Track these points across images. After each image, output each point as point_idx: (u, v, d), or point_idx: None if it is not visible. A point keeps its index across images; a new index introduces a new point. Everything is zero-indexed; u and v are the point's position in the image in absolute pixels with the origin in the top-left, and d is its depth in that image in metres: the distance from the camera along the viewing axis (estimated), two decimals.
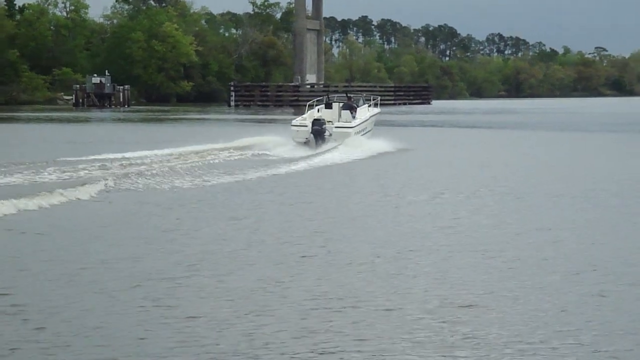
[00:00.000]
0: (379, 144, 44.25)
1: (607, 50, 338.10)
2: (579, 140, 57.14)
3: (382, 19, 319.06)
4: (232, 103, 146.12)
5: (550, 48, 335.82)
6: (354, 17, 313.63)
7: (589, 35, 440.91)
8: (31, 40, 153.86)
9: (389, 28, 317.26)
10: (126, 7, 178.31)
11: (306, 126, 44.05)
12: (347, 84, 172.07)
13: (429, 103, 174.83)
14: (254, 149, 42.04)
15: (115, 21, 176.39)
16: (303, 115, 46.66)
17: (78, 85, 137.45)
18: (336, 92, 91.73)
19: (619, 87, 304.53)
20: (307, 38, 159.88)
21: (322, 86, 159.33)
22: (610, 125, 76.77)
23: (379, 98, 56.47)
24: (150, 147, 40.97)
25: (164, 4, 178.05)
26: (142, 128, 74.51)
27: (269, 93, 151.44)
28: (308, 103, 49.28)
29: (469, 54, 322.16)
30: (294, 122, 45.86)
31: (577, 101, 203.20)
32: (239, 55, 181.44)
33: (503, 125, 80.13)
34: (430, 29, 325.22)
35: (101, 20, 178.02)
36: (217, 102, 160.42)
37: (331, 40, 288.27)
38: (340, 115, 46.50)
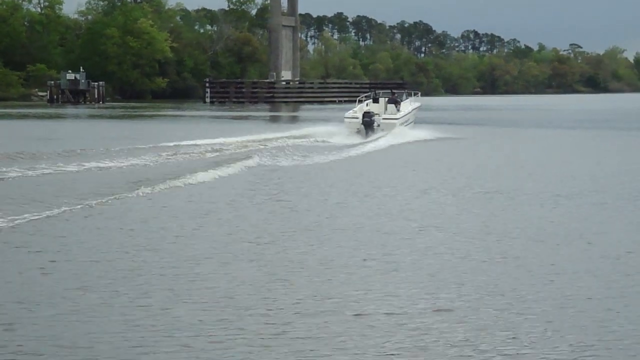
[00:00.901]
0: (420, 134, 50.87)
1: (581, 47, 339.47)
2: (556, 137, 57.20)
3: (358, 16, 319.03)
4: (208, 99, 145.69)
5: (525, 45, 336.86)
6: (329, 14, 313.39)
7: (563, 32, 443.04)
8: (5, 37, 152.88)
9: (364, 25, 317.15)
10: (101, 3, 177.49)
11: (358, 118, 50.85)
12: (322, 81, 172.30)
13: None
14: (316, 136, 48.42)
15: (89, 17, 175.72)
16: (354, 109, 53.33)
17: (52, 82, 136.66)
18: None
19: (594, 84, 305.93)
20: (282, 34, 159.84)
21: (297, 83, 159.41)
22: (587, 122, 76.99)
23: (419, 93, 65.05)
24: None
25: (139, 0, 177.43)
26: (145, 124, 73.71)
27: (244, 89, 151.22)
28: (358, 98, 56.56)
29: (444, 50, 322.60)
30: (347, 114, 52.83)
31: (553, 98, 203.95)
32: (214, 51, 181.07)
33: (497, 122, 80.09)
34: (406, 25, 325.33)
35: (76, 16, 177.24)
36: (192, 98, 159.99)
37: (306, 36, 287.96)
38: (386, 109, 53.05)
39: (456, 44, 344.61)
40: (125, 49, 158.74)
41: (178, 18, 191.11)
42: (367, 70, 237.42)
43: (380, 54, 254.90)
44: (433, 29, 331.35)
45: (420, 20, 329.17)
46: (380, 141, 45.94)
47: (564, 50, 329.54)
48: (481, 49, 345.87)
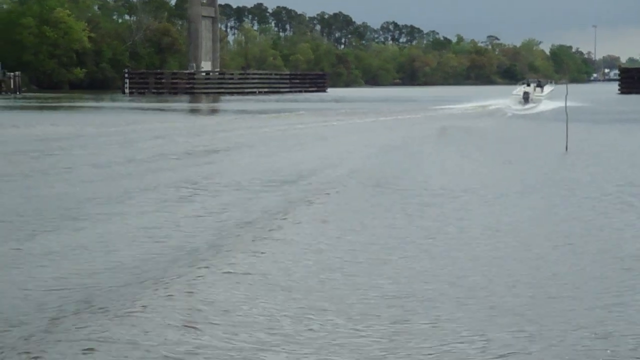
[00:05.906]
0: (557, 104, 76.82)
1: (499, 39, 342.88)
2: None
3: (278, 7, 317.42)
4: (127, 90, 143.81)
5: (443, 37, 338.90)
6: (249, 5, 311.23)
7: (481, 24, 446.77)
8: None
9: (284, 16, 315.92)
10: None
11: (520, 95, 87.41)
12: (242, 72, 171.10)
13: (325, 91, 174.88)
14: (502, 105, 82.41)
15: (4, 6, 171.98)
16: (517, 89, 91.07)
17: None
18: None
19: (511, 75, 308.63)
20: (202, 25, 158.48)
21: (217, 74, 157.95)
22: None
23: (554, 81, 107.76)
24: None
25: None
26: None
27: (163, 80, 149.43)
28: (518, 83, 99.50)
29: (364, 42, 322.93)
30: (513, 92, 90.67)
31: (472, 89, 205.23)
32: (133, 42, 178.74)
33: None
34: (326, 16, 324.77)
35: None
36: (111, 89, 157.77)
37: (226, 27, 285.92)
38: (534, 90, 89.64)
39: (376, 36, 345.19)
40: (42, 38, 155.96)
41: (96, 8, 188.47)
42: (288, 61, 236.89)
43: (300, 45, 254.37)
44: (353, 20, 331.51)
45: (340, 12, 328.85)
46: (540, 106, 78.93)
47: (482, 42, 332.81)
48: (401, 40, 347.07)
